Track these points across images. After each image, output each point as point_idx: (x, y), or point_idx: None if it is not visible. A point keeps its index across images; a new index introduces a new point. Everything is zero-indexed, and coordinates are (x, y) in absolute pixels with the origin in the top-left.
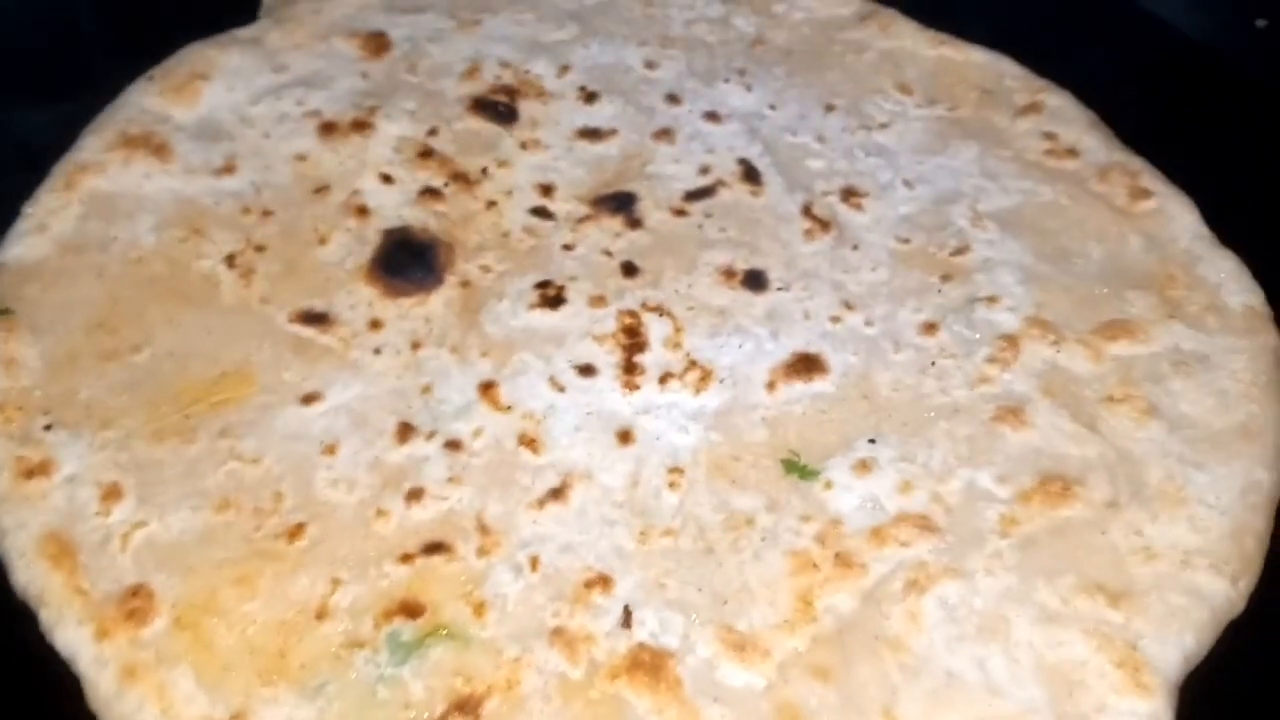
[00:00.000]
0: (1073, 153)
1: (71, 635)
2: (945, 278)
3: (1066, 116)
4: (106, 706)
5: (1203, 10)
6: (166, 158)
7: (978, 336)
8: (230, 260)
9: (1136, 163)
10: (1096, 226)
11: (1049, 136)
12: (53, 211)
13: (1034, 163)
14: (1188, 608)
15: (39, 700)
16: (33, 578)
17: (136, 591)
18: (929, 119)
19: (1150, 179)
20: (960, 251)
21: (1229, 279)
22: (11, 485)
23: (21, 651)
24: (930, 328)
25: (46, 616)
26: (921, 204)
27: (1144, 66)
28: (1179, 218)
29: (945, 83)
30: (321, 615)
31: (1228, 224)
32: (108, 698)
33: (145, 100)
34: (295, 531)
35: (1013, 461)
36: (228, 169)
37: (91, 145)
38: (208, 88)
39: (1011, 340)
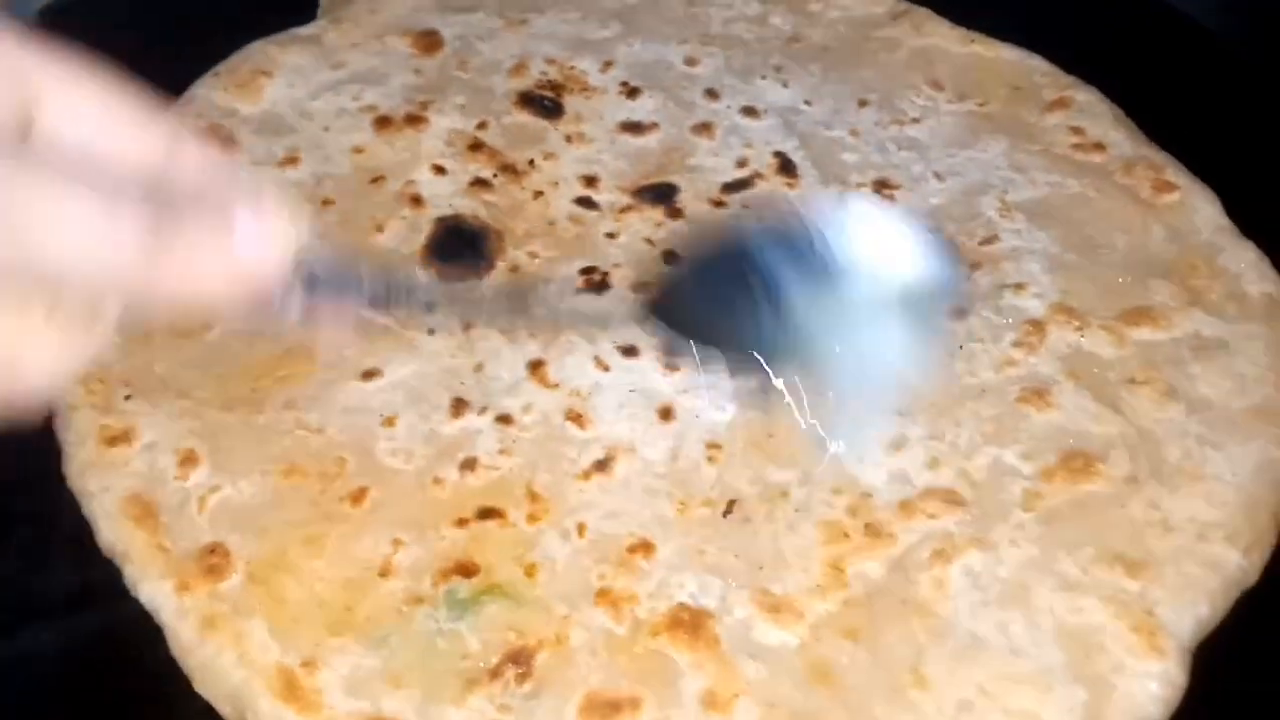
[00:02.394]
0: (1099, 147)
1: (154, 588)
2: (974, 265)
3: (1094, 112)
4: (188, 653)
5: (1229, 8)
6: (233, 150)
7: (1006, 322)
8: None
9: (1161, 157)
10: (1121, 218)
11: (1076, 131)
12: None
13: (1062, 156)
14: (1202, 577)
15: (122, 652)
16: (118, 536)
17: (213, 549)
18: (960, 114)
19: (1174, 173)
20: (989, 241)
21: (1249, 269)
22: (96, 452)
23: (104, 607)
24: (959, 313)
25: (130, 572)
26: (952, 195)
27: (1169, 62)
28: (1201, 210)
29: (976, 79)
30: (384, 573)
31: (1249, 216)
32: (189, 645)
33: (212, 95)
34: (358, 496)
35: (1037, 440)
36: (290, 160)
37: None
38: (270, 84)
39: (1038, 325)
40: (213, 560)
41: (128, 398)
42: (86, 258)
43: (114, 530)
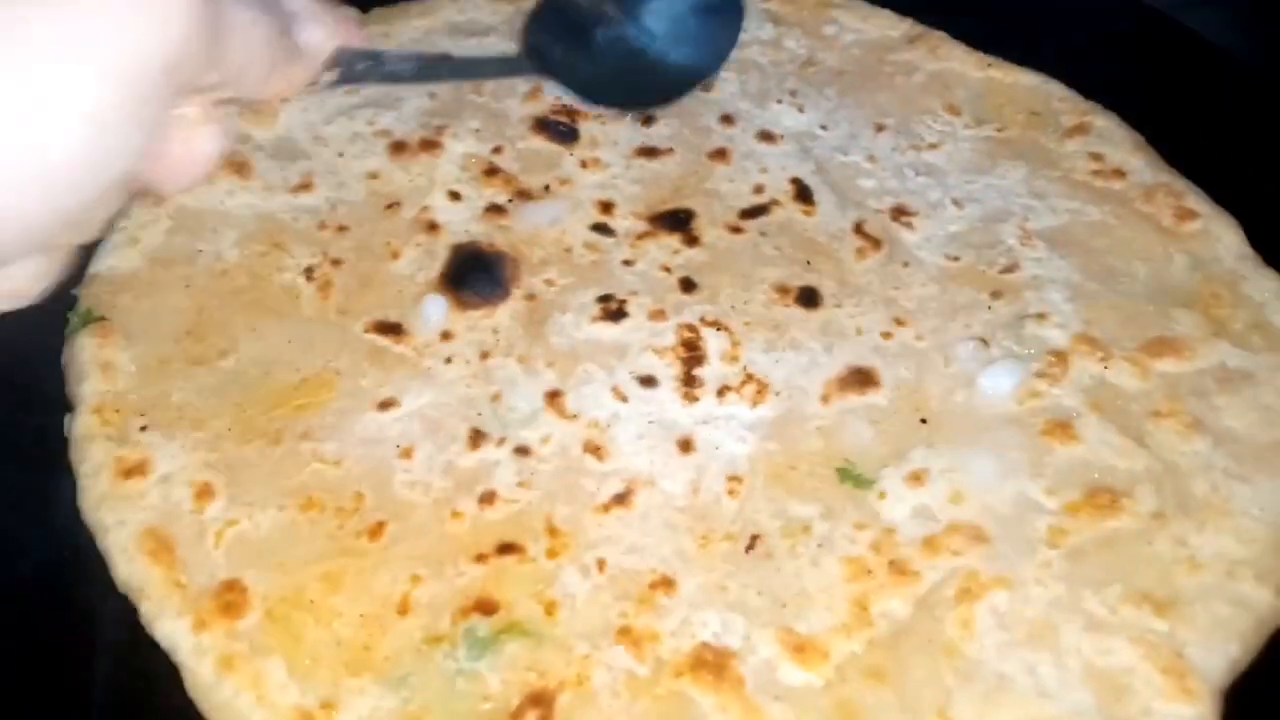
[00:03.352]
0: (1119, 173)
1: (171, 626)
2: (995, 295)
3: (1113, 138)
4: (205, 694)
5: (1248, 31)
6: (247, 175)
7: (1028, 352)
8: (309, 273)
9: (1181, 184)
10: (1143, 246)
11: (1096, 157)
12: (143, 225)
13: (1081, 183)
14: (1232, 617)
15: (138, 688)
16: (134, 572)
17: (231, 586)
18: (977, 139)
19: (1195, 200)
20: (1009, 269)
21: (1273, 298)
22: (111, 485)
23: (121, 642)
24: (981, 343)
25: (147, 609)
26: (971, 222)
27: (1190, 87)
28: (1223, 238)
29: (994, 104)
30: (403, 611)
31: (1272, 244)
32: (206, 685)
33: None
34: (376, 530)
35: (1061, 474)
36: (304, 186)
37: None
38: (284, 109)
39: (1061, 356)
40: (230, 597)
41: (143, 429)
42: (255, 61)
43: (130, 567)
